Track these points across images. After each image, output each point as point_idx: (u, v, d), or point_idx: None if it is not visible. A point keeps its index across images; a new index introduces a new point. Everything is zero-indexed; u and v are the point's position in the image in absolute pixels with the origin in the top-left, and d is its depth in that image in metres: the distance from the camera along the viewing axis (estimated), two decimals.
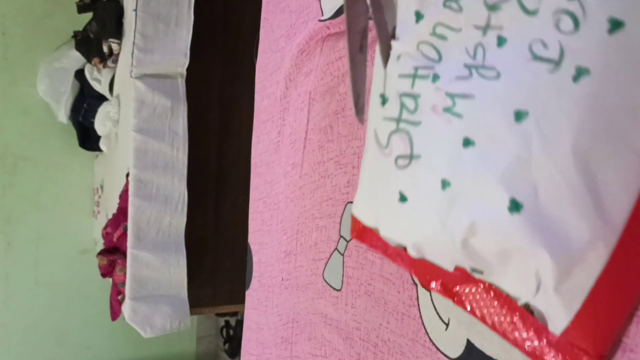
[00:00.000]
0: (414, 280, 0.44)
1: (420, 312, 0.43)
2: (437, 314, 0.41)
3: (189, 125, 1.27)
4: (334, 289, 0.55)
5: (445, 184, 0.29)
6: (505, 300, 0.30)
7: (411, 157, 0.31)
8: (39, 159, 1.97)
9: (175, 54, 1.22)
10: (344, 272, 0.53)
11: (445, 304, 0.40)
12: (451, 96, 0.28)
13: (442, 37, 0.29)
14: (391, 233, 0.36)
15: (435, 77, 0.29)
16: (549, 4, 0.24)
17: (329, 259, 0.56)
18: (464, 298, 0.33)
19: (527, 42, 0.25)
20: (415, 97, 0.31)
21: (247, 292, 0.79)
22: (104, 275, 1.35)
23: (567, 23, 0.24)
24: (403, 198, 0.32)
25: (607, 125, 0.23)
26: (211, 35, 1.39)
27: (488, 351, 0.36)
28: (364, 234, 0.41)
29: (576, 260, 0.25)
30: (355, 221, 0.42)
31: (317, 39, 0.57)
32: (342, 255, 0.54)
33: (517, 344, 0.30)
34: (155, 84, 1.22)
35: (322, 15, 0.57)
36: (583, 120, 0.23)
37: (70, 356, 2.09)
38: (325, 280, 0.57)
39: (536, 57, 0.25)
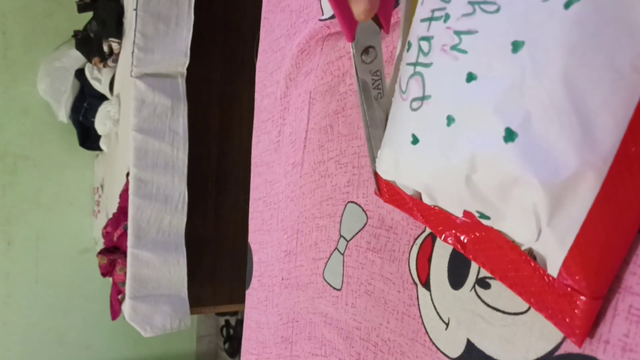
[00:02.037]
0: (414, 280, 0.44)
1: (420, 312, 0.43)
2: (437, 313, 0.41)
3: (189, 124, 1.27)
4: (334, 288, 0.55)
5: (450, 120, 0.29)
6: (511, 248, 0.30)
7: (423, 98, 0.32)
8: (39, 158, 1.97)
9: (176, 53, 1.22)
10: (344, 272, 0.53)
11: (445, 304, 0.40)
12: (458, 33, 0.29)
13: None
14: (406, 179, 0.37)
15: (447, 17, 0.30)
16: None
17: (329, 258, 0.56)
18: (472, 251, 0.34)
19: None
20: (429, 39, 0.31)
21: (247, 292, 0.79)
22: (104, 274, 1.35)
23: None
24: (415, 140, 0.32)
25: (596, 49, 0.23)
26: (211, 34, 1.39)
27: (488, 351, 0.36)
28: (392, 192, 0.42)
29: (567, 190, 0.25)
30: (381, 181, 0.42)
31: (317, 38, 0.57)
32: (342, 254, 0.54)
33: (522, 294, 0.31)
34: (156, 84, 1.22)
35: (323, 14, 0.57)
36: (572, 45, 0.24)
37: (70, 355, 2.09)
38: (325, 280, 0.57)
39: None
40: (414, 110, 0.33)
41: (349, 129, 0.53)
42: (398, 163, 0.36)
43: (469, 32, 0.28)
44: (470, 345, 0.37)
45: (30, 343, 2.01)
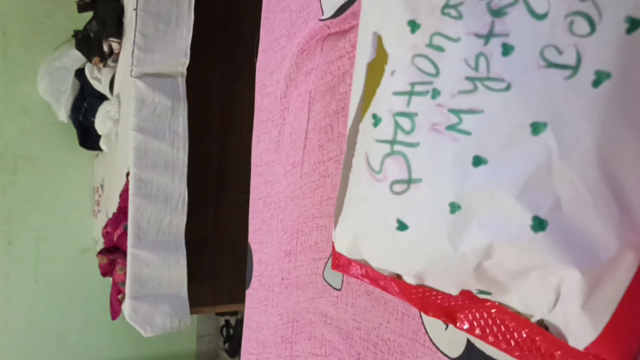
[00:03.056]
0: None
1: (420, 312, 0.43)
2: None
3: (189, 124, 1.27)
4: (334, 288, 0.55)
5: (454, 207, 0.27)
6: (514, 318, 0.29)
7: (409, 181, 0.29)
8: (39, 158, 1.97)
9: (176, 53, 1.22)
10: None
11: None
12: (456, 112, 0.26)
13: (439, 49, 0.27)
14: (386, 264, 0.34)
15: (436, 93, 0.27)
16: (559, 7, 0.23)
17: (329, 258, 0.56)
18: (468, 322, 0.32)
19: (538, 48, 0.23)
20: (411, 116, 0.28)
21: (247, 292, 0.79)
22: (104, 274, 1.35)
23: (581, 25, 0.22)
24: (402, 226, 0.30)
25: (630, 128, 0.22)
26: (211, 34, 1.39)
27: (488, 351, 0.36)
28: (348, 265, 0.40)
29: (605, 272, 0.24)
30: (337, 254, 0.40)
31: (317, 38, 0.57)
32: None
33: None
34: (156, 83, 1.22)
35: (323, 14, 0.57)
36: (604, 125, 0.22)
37: (70, 355, 2.09)
38: (325, 280, 0.57)
39: (550, 64, 0.23)
40: (397, 193, 0.30)
41: None
42: (374, 248, 0.34)
43: (471, 112, 0.26)
44: (470, 345, 0.37)
45: (30, 343, 2.01)
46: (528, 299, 0.28)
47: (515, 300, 0.28)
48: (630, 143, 0.22)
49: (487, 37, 0.25)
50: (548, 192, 0.24)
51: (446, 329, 0.40)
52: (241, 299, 0.82)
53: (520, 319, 0.29)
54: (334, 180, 0.55)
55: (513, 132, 0.24)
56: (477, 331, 0.32)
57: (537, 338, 0.28)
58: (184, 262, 1.29)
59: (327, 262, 0.57)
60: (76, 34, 1.60)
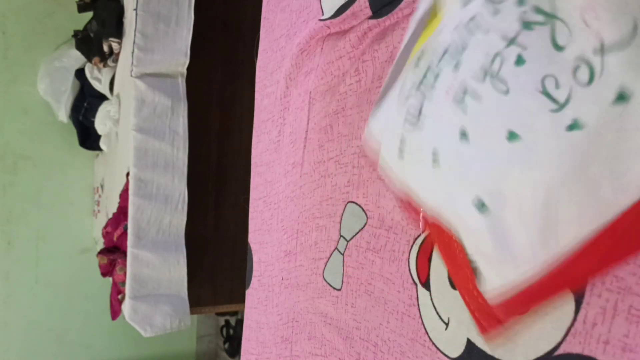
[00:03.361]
0: (413, 280, 0.44)
1: (420, 312, 0.43)
2: (437, 313, 0.41)
3: (189, 124, 1.27)
4: (334, 288, 0.55)
5: (435, 155, 0.31)
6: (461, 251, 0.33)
7: (418, 118, 0.33)
8: (39, 158, 1.97)
9: (176, 53, 1.22)
10: (344, 272, 0.53)
11: (445, 304, 0.40)
12: (464, 90, 0.29)
13: (473, 31, 0.30)
14: (385, 159, 0.39)
15: (457, 66, 0.30)
16: (577, 48, 0.24)
17: (329, 258, 0.56)
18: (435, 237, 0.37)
19: (543, 73, 0.25)
20: (436, 74, 0.32)
21: (247, 292, 0.79)
22: (104, 274, 1.35)
23: (583, 74, 0.24)
24: (401, 149, 0.35)
25: (579, 181, 0.25)
26: (211, 34, 1.39)
27: (489, 351, 0.36)
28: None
29: (510, 261, 0.29)
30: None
31: (317, 38, 0.57)
32: (342, 254, 0.54)
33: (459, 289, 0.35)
34: (156, 83, 1.21)
35: (323, 14, 0.57)
36: (562, 164, 0.25)
37: (70, 355, 2.09)
38: (325, 280, 0.57)
39: (544, 92, 0.25)
40: (408, 122, 0.35)
41: (349, 129, 0.53)
42: (384, 144, 0.38)
43: (474, 96, 0.28)
44: (470, 345, 0.37)
45: (30, 342, 2.01)
46: (465, 236, 0.33)
47: (467, 239, 0.33)
48: (574, 193, 0.25)
49: (510, 42, 0.27)
50: (499, 191, 0.27)
51: (446, 329, 0.40)
52: (241, 299, 0.82)
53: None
54: (334, 180, 0.55)
55: (494, 129, 0.27)
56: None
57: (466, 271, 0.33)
58: (184, 262, 1.29)
59: (327, 262, 0.57)
60: (76, 34, 1.60)
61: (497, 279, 0.30)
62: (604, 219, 0.25)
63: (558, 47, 0.25)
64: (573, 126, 0.24)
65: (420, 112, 0.33)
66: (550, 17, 0.25)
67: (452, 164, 0.30)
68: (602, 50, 0.23)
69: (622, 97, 0.23)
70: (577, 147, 0.24)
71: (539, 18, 0.25)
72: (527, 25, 0.26)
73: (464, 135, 0.29)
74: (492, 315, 0.32)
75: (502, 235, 0.28)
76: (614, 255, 0.27)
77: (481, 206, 0.28)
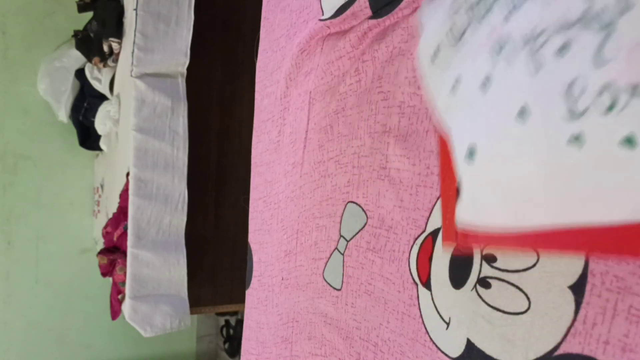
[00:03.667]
0: (414, 280, 0.44)
1: (420, 312, 0.43)
2: (438, 313, 0.41)
3: (189, 124, 1.27)
4: (334, 288, 0.55)
5: (457, 82, 0.32)
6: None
7: (459, 39, 0.33)
8: (39, 158, 1.97)
9: (176, 53, 1.22)
10: (344, 272, 0.53)
11: (446, 303, 0.40)
12: (501, 46, 0.29)
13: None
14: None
15: (507, 18, 0.29)
16: (614, 70, 0.23)
17: (329, 258, 0.56)
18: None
19: (575, 77, 0.24)
20: (488, 9, 0.31)
21: (247, 292, 0.79)
22: (104, 274, 1.35)
23: (605, 101, 0.23)
24: (435, 55, 0.36)
25: (563, 190, 0.25)
26: (211, 34, 1.39)
27: (488, 350, 0.36)
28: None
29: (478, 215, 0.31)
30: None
31: (317, 38, 0.57)
32: (342, 254, 0.54)
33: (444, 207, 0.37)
34: (156, 83, 1.21)
35: (323, 14, 0.57)
36: (552, 171, 0.25)
37: (70, 355, 2.09)
38: (325, 280, 0.57)
39: (568, 95, 0.24)
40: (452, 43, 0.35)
41: (349, 129, 0.53)
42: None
43: (506, 59, 0.28)
44: (470, 345, 0.37)
45: (30, 342, 2.01)
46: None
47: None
48: (550, 191, 0.25)
49: (562, 27, 0.25)
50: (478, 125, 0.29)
51: (447, 328, 0.40)
52: (241, 299, 0.82)
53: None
54: (334, 180, 0.55)
55: (512, 97, 0.27)
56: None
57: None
58: (184, 262, 1.29)
59: (327, 262, 0.57)
60: (76, 34, 1.60)
61: (465, 215, 0.32)
62: (575, 219, 0.25)
63: (598, 61, 0.24)
64: (574, 140, 0.24)
65: (462, 34, 0.32)
66: (609, 27, 0.24)
67: (466, 101, 0.31)
68: (634, 91, 0.22)
69: (628, 142, 0.22)
70: (567, 161, 0.24)
71: (597, 23, 0.24)
72: (586, 20, 0.25)
73: (484, 84, 0.29)
74: (453, 232, 0.35)
75: (476, 193, 0.30)
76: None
77: (470, 154, 0.29)
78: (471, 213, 0.32)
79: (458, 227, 0.33)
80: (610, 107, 0.23)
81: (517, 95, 0.27)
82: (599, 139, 0.23)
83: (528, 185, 0.27)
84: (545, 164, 0.25)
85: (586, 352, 0.30)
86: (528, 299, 0.33)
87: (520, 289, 0.34)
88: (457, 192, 0.34)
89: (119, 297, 1.33)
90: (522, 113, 0.26)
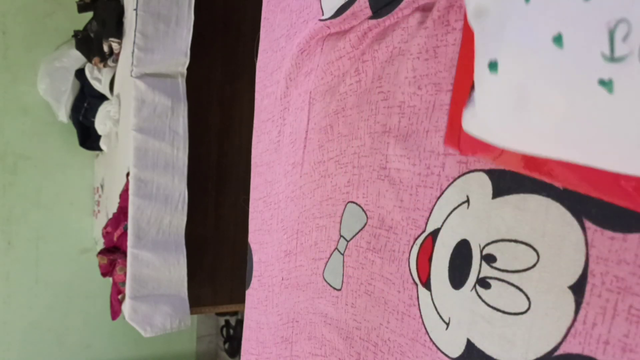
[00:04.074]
0: (414, 280, 0.44)
1: (420, 312, 0.43)
2: (438, 313, 0.41)
3: (190, 124, 1.27)
4: (334, 288, 0.55)
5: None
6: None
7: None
8: (39, 158, 1.97)
9: (176, 53, 1.22)
10: (344, 272, 0.53)
11: (446, 303, 0.40)
12: None
13: None
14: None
15: None
16: None
17: (329, 258, 0.56)
18: None
19: (623, 16, 0.22)
20: None
21: (247, 292, 0.79)
22: (104, 274, 1.35)
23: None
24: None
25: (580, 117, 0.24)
26: (212, 34, 1.39)
27: (488, 351, 0.36)
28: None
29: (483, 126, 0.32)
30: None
31: (317, 38, 0.57)
32: (342, 254, 0.54)
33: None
34: (156, 83, 1.21)
35: (323, 14, 0.57)
36: (573, 99, 0.24)
37: (70, 355, 2.09)
38: (325, 280, 0.57)
39: (610, 34, 0.22)
40: None
41: (349, 129, 0.53)
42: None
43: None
44: (470, 345, 0.37)
45: (30, 342, 2.01)
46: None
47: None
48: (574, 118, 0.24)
49: None
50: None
51: (447, 328, 0.40)
52: (241, 299, 0.82)
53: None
54: (334, 180, 0.55)
55: (547, 22, 0.25)
56: None
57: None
58: (184, 262, 1.29)
59: (327, 262, 0.57)
60: (76, 34, 1.60)
61: (473, 124, 0.32)
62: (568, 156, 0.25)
63: None
64: (605, 84, 0.22)
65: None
66: None
67: (503, 8, 0.28)
68: None
69: None
70: (592, 102, 0.23)
71: None
72: None
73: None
74: (456, 136, 0.36)
75: (489, 105, 0.28)
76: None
77: (492, 65, 0.27)
78: (479, 124, 0.31)
79: (463, 132, 0.33)
80: None
81: (560, 16, 0.24)
82: (630, 89, 0.22)
83: (545, 111, 0.25)
84: (569, 96, 0.24)
85: (586, 353, 0.30)
86: (528, 299, 0.33)
87: (520, 289, 0.34)
88: (469, 95, 0.33)
89: (119, 297, 1.33)
90: (559, 39, 0.24)
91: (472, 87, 0.34)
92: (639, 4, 0.21)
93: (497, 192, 0.36)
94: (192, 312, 1.33)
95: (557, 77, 0.25)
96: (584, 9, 0.23)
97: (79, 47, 1.59)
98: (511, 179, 0.35)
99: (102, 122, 1.53)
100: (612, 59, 0.22)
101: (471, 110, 0.33)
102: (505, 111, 0.28)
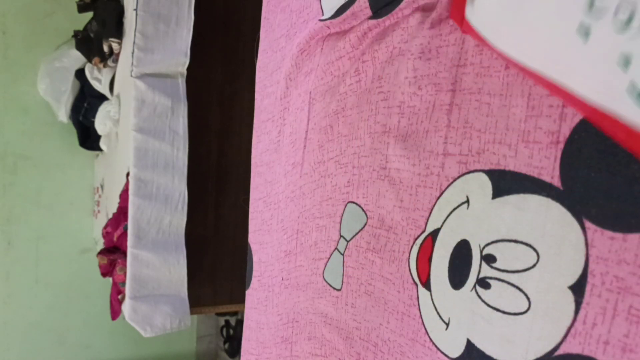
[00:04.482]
0: (414, 280, 0.44)
1: (420, 312, 0.43)
2: (438, 313, 0.41)
3: (189, 124, 1.27)
4: (334, 288, 0.55)
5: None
6: None
7: None
8: (39, 158, 1.97)
9: (176, 53, 1.22)
10: (344, 272, 0.53)
11: (445, 304, 0.40)
12: None
13: None
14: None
15: None
16: None
17: (329, 258, 0.56)
18: None
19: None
20: None
21: (247, 292, 0.79)
22: (104, 274, 1.35)
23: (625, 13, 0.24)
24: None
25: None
26: (211, 34, 1.39)
27: (488, 351, 0.36)
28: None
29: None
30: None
31: (317, 38, 0.57)
32: (342, 255, 0.54)
33: None
34: (156, 84, 1.22)
35: (323, 14, 0.57)
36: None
37: (70, 355, 2.09)
38: (325, 280, 0.57)
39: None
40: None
41: (349, 129, 0.53)
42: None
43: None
44: (470, 345, 0.37)
45: (30, 342, 2.01)
46: None
47: None
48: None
49: None
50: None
51: (446, 329, 0.40)
52: (241, 299, 0.82)
53: None
54: (334, 180, 0.55)
55: None
56: None
57: None
58: (184, 262, 1.29)
59: (327, 262, 0.57)
60: (76, 34, 1.60)
61: (471, 14, 0.35)
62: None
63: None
64: (582, 30, 0.25)
65: None
66: None
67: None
68: None
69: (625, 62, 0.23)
70: (572, 41, 0.25)
71: None
72: None
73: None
74: (461, 15, 0.37)
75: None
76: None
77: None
78: (477, 18, 0.34)
79: (466, 18, 0.35)
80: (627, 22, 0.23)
81: None
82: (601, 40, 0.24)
83: (533, 31, 0.28)
84: (554, 28, 0.26)
85: (586, 353, 0.30)
86: (528, 299, 0.33)
87: (520, 289, 0.34)
88: None
89: (119, 297, 1.33)
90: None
91: None
92: None
93: (497, 192, 0.36)
94: (192, 312, 1.33)
95: (549, 9, 0.28)
96: None
97: (79, 47, 1.59)
98: (511, 179, 0.35)
99: (102, 122, 1.53)
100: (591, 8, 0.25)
101: (473, 2, 0.36)
102: (502, 17, 0.32)
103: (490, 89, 0.37)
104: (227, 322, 2.27)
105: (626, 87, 0.24)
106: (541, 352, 0.32)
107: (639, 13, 0.23)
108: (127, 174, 1.26)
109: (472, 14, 0.36)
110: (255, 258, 0.76)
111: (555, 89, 0.30)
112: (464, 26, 0.39)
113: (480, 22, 0.36)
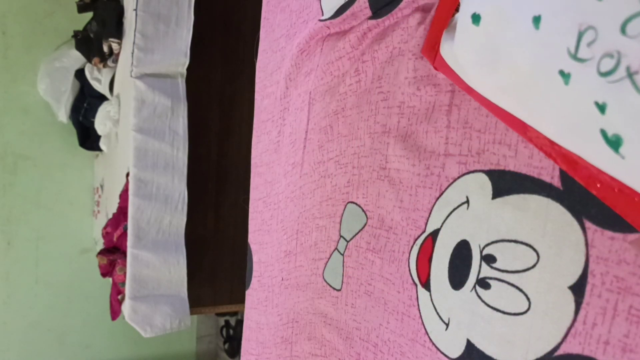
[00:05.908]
0: (413, 280, 0.44)
1: (420, 312, 0.43)
2: (437, 313, 0.41)
3: (189, 124, 1.27)
4: (334, 288, 0.55)
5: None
6: None
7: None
8: (39, 158, 1.97)
9: (176, 53, 1.22)
10: (344, 272, 0.53)
11: (445, 304, 0.40)
12: None
13: None
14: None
15: None
16: (623, 47, 0.22)
17: (329, 258, 0.56)
18: None
19: (591, 24, 0.23)
20: None
21: (247, 292, 0.79)
22: (104, 274, 1.35)
23: (608, 64, 0.23)
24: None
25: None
26: (211, 34, 1.39)
27: (488, 351, 0.36)
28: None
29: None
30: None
31: (317, 38, 0.57)
32: (342, 255, 0.54)
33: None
34: (156, 84, 1.21)
35: (323, 15, 0.57)
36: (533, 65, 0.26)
37: (70, 355, 2.09)
38: (325, 280, 0.57)
39: (578, 36, 0.24)
40: None
41: (349, 129, 0.53)
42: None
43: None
44: (470, 345, 0.37)
45: (30, 343, 2.01)
46: None
47: None
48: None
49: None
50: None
51: (446, 329, 0.40)
52: (241, 299, 0.82)
53: None
54: (334, 180, 0.55)
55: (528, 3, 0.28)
56: None
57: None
58: (184, 262, 1.29)
59: (327, 262, 0.57)
60: (76, 34, 1.60)
61: (447, 52, 0.35)
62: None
63: (623, 30, 0.22)
64: (564, 75, 0.24)
65: None
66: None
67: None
68: (635, 74, 0.22)
69: (601, 108, 0.23)
70: (550, 84, 0.25)
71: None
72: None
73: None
74: (434, 50, 0.38)
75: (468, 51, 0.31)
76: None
77: (475, 18, 0.30)
78: (454, 58, 0.34)
79: (440, 53, 0.36)
80: (609, 73, 0.23)
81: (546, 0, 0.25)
82: (582, 88, 0.24)
83: (509, 75, 0.28)
84: (533, 74, 0.26)
85: (586, 353, 0.30)
86: (528, 299, 0.33)
87: (520, 290, 0.34)
88: (452, 19, 0.35)
89: (119, 297, 1.33)
90: (538, 20, 0.25)
91: (456, 9, 0.36)
92: (608, 19, 0.22)
93: (497, 193, 0.36)
94: (192, 312, 1.33)
95: (527, 52, 0.27)
96: (566, 3, 0.25)
97: (78, 47, 1.59)
98: (511, 179, 0.35)
99: (102, 122, 1.53)
100: (575, 57, 0.24)
101: (449, 41, 0.36)
102: (479, 61, 0.31)
103: None
104: (227, 322, 2.27)
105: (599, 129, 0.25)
106: (541, 353, 0.32)
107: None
108: (127, 174, 1.26)
109: (448, 54, 0.37)
110: (255, 258, 0.76)
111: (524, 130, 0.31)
112: (437, 62, 0.40)
113: (454, 63, 0.36)
